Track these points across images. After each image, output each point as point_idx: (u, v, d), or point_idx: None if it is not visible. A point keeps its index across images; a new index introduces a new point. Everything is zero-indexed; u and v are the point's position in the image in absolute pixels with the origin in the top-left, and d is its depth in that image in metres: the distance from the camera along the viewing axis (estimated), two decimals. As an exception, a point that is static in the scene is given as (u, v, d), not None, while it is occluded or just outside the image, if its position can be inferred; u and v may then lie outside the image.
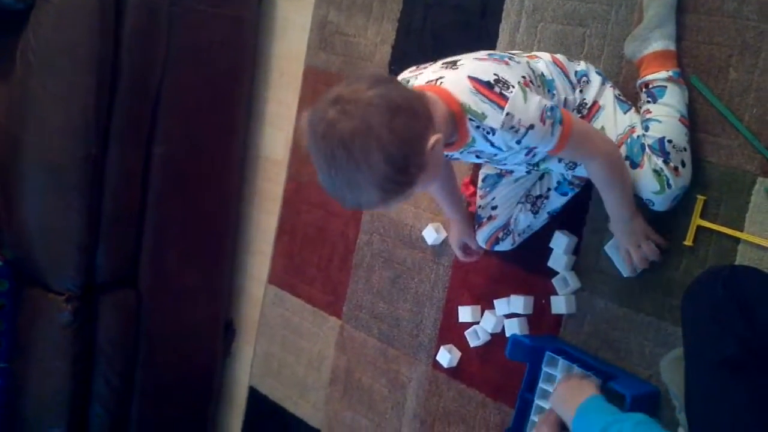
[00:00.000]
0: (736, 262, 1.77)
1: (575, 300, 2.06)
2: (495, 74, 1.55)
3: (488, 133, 1.55)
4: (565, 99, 1.80)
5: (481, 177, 2.11)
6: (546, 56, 1.84)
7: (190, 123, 2.70)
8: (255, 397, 3.02)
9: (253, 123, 2.97)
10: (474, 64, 1.59)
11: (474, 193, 2.16)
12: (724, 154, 1.79)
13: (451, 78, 1.56)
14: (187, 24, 2.58)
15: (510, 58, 1.66)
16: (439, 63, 1.65)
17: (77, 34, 2.38)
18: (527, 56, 1.80)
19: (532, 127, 1.53)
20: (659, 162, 1.76)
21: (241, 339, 3.10)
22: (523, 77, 1.59)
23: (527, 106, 1.53)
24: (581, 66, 1.89)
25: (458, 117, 1.54)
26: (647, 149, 1.77)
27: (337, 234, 2.65)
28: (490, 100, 1.52)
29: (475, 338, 2.24)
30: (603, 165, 1.71)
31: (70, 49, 2.39)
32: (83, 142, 2.42)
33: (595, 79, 1.87)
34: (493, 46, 2.20)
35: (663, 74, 1.80)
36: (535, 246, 2.09)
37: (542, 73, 1.76)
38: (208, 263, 2.91)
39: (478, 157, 1.71)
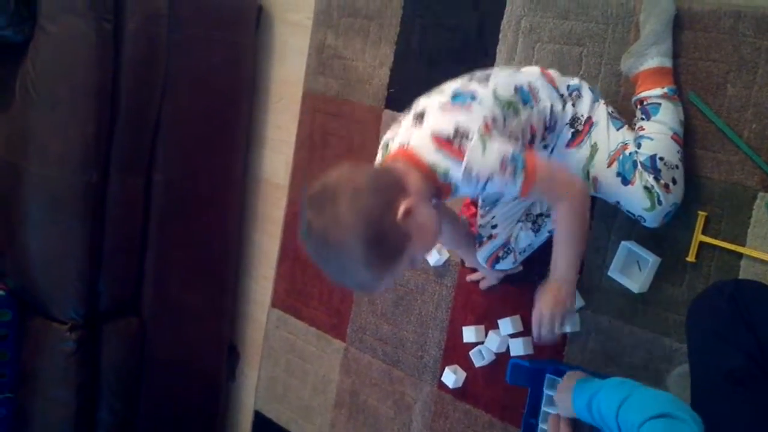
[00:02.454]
0: (739, 278, 1.78)
1: (579, 318, 2.05)
2: (456, 124, 1.59)
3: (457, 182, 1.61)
4: (551, 108, 1.81)
5: (481, 197, 2.11)
6: (534, 71, 1.86)
7: (190, 149, 2.70)
8: (260, 421, 3.01)
9: (252, 147, 2.98)
10: (437, 116, 1.64)
11: (475, 214, 2.16)
12: (724, 170, 1.80)
13: (417, 140, 1.61)
14: (185, 51, 2.59)
15: (473, 99, 1.66)
16: (411, 115, 1.70)
17: (76, 63, 2.39)
18: (506, 74, 1.82)
19: (491, 177, 1.57)
20: (650, 179, 1.76)
21: (245, 363, 3.10)
22: (484, 118, 1.61)
23: (485, 157, 1.56)
24: (574, 81, 1.89)
25: (431, 177, 1.59)
26: (639, 166, 1.77)
27: (339, 256, 2.65)
28: (452, 156, 1.57)
29: (479, 358, 2.24)
30: (570, 207, 1.69)
31: (70, 79, 2.40)
32: (84, 170, 2.42)
33: (587, 95, 1.86)
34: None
35: (658, 91, 1.81)
36: (538, 265, 2.10)
37: (515, 87, 1.75)
38: (211, 288, 2.91)
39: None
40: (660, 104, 1.81)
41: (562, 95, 1.85)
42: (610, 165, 1.79)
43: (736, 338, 1.48)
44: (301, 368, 2.82)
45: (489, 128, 1.61)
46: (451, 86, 1.75)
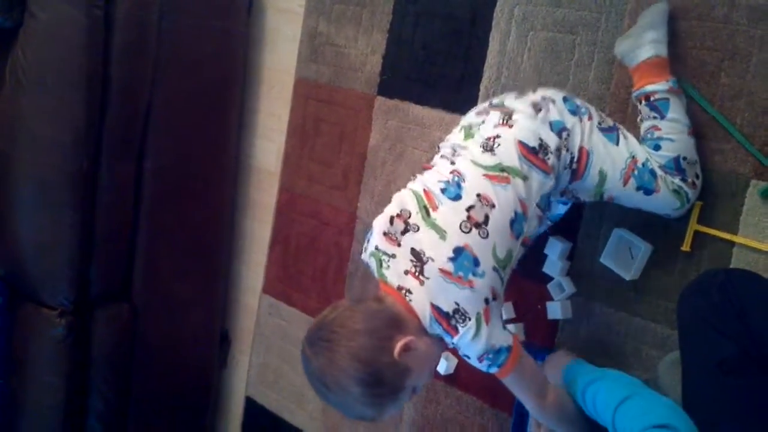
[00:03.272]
0: (731, 266, 1.79)
1: (571, 305, 2.06)
2: (456, 303, 1.57)
3: None
4: (543, 200, 1.70)
5: None
6: (512, 151, 1.66)
7: (181, 136, 2.69)
8: (252, 408, 3.02)
9: (244, 134, 2.97)
10: (437, 282, 1.58)
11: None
12: (717, 158, 1.80)
13: (416, 300, 1.59)
14: (176, 37, 2.57)
15: (474, 273, 1.58)
16: (409, 248, 1.62)
17: (66, 50, 2.37)
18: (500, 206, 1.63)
19: (469, 357, 1.62)
20: (676, 181, 1.75)
21: (236, 349, 3.10)
22: (486, 300, 1.59)
23: (473, 344, 1.58)
24: (553, 115, 1.72)
25: (425, 329, 1.61)
26: (659, 171, 1.74)
27: (330, 243, 2.66)
28: (445, 330, 1.58)
29: (471, 345, 2.25)
30: (537, 410, 1.73)
31: (60, 65, 2.38)
32: (74, 157, 2.41)
33: (573, 122, 1.72)
34: (483, 55, 2.22)
35: (663, 85, 1.77)
36: (530, 252, 2.09)
37: (510, 222, 1.63)
38: (202, 274, 2.91)
39: None
40: (668, 99, 1.77)
41: (546, 172, 1.68)
42: (625, 184, 1.74)
43: (726, 327, 1.49)
44: (292, 354, 2.82)
45: (489, 313, 1.59)
46: (447, 219, 1.62)
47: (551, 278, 2.09)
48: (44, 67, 2.40)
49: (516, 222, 1.64)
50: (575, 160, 1.72)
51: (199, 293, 2.90)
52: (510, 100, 1.78)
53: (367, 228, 1.74)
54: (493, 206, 1.61)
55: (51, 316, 2.50)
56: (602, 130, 1.75)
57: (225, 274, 3.04)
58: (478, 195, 1.61)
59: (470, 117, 1.81)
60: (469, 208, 1.61)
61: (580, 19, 2.03)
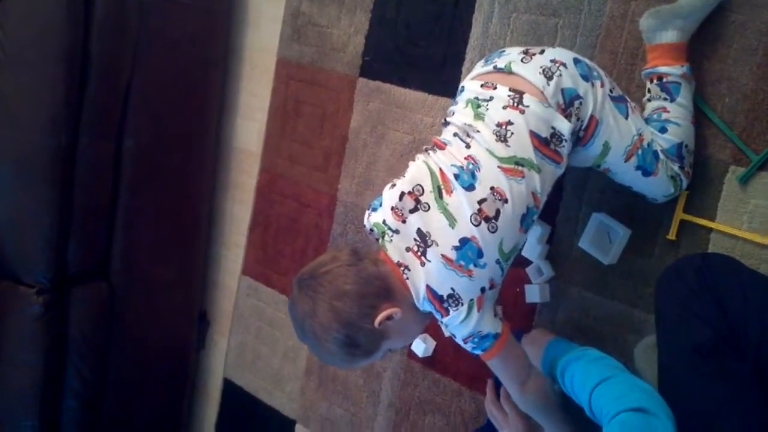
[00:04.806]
0: (709, 251, 1.79)
1: (549, 289, 2.07)
2: (451, 289, 1.58)
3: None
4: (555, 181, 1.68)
5: None
6: (526, 141, 1.60)
7: (161, 115, 2.68)
8: (230, 389, 3.02)
9: (225, 115, 2.96)
10: (437, 268, 1.58)
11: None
12: (697, 143, 1.80)
13: (414, 279, 1.60)
14: (157, 15, 2.56)
15: (476, 264, 1.57)
16: (415, 227, 1.61)
17: (46, 25, 2.35)
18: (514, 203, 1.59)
19: (455, 336, 1.65)
20: (675, 167, 1.74)
21: (215, 330, 3.10)
22: (482, 289, 1.60)
23: (461, 327, 1.61)
24: (565, 81, 1.63)
25: (414, 305, 1.63)
26: (661, 155, 1.73)
27: (311, 225, 2.65)
28: (436, 310, 1.60)
29: (450, 328, 2.25)
30: (517, 396, 1.76)
31: (39, 41, 2.36)
32: (53, 133, 2.39)
33: (586, 89, 1.64)
34: (466, 37, 2.21)
35: (678, 69, 1.74)
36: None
37: (522, 217, 1.61)
38: (181, 254, 2.90)
39: None
40: (680, 84, 1.75)
41: (552, 159, 1.63)
42: (627, 160, 1.70)
43: (703, 312, 1.49)
44: (271, 336, 2.82)
45: (482, 301, 1.60)
46: (463, 206, 1.58)
47: (530, 262, 2.09)
48: (24, 42, 2.38)
49: (527, 216, 1.62)
50: (583, 128, 1.65)
51: (177, 273, 2.89)
52: (518, 66, 1.67)
53: (375, 197, 1.72)
54: (506, 201, 1.58)
55: (28, 294, 2.49)
56: (613, 99, 1.68)
57: (204, 255, 3.04)
58: (492, 188, 1.57)
59: (474, 87, 1.70)
60: (481, 201, 1.57)
61: (563, 2, 2.02)
